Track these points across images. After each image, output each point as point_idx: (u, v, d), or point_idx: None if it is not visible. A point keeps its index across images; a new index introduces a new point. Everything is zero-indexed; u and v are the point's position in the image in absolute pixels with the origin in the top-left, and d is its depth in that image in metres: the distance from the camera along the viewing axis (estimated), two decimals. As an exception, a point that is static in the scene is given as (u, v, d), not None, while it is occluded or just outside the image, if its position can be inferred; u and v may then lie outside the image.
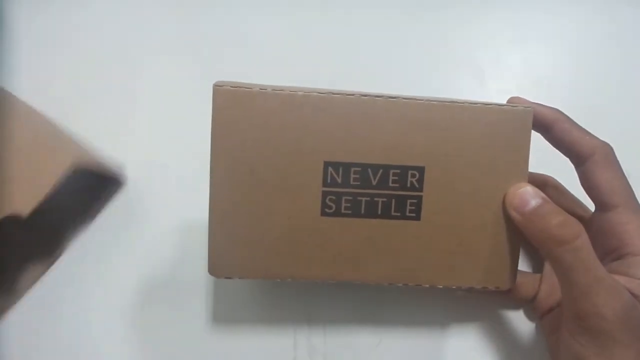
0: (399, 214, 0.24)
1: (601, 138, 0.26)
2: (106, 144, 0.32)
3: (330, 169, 0.23)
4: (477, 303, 0.30)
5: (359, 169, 0.23)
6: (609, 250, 0.25)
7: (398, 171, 0.24)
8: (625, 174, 0.26)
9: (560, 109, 0.26)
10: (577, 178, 0.26)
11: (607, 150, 0.25)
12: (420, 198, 0.24)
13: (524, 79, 0.35)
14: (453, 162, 0.24)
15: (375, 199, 0.24)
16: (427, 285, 0.24)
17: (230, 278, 0.24)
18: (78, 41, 0.34)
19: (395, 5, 0.36)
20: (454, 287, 0.25)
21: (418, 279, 0.24)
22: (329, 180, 0.23)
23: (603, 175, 0.25)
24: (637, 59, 0.35)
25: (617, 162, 0.26)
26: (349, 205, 0.24)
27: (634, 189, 0.26)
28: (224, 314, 0.30)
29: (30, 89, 0.34)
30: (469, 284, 0.24)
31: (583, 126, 0.26)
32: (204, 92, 0.24)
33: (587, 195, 0.26)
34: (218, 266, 0.24)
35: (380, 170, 0.23)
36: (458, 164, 0.24)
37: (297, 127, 0.23)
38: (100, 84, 0.34)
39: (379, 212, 0.24)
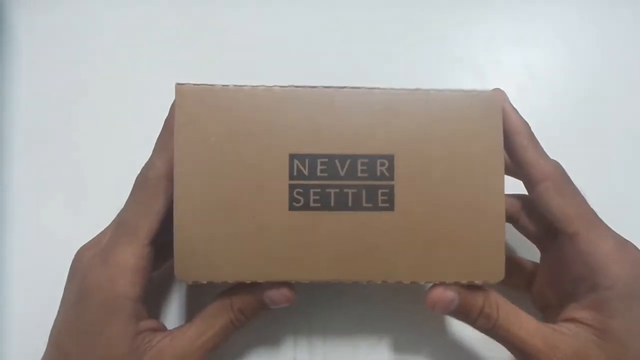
0: (370, 205, 0.23)
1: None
2: (106, 144, 0.32)
3: (296, 161, 0.23)
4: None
5: (326, 159, 0.23)
6: (581, 279, 0.24)
7: (366, 160, 0.23)
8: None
9: (529, 125, 0.25)
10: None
11: (558, 174, 0.24)
12: (392, 187, 0.23)
13: (524, 79, 0.35)
14: (424, 149, 0.23)
15: (345, 190, 0.23)
16: (408, 282, 0.23)
17: (198, 283, 0.23)
18: (78, 41, 0.34)
19: (395, 5, 0.36)
20: (437, 282, 0.23)
21: (397, 275, 0.23)
22: (295, 173, 0.23)
23: (555, 202, 0.24)
24: (637, 59, 0.35)
25: (571, 184, 0.25)
26: (317, 198, 0.23)
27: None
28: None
29: (31, 89, 0.34)
30: (453, 279, 0.23)
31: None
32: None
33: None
34: (185, 270, 0.23)
35: (348, 161, 0.23)
36: (430, 151, 0.23)
37: (260, 122, 0.23)
38: (100, 83, 0.34)
39: (350, 204, 0.23)
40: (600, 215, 0.25)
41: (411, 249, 0.23)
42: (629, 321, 0.23)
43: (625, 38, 0.35)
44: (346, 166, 0.23)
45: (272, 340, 0.30)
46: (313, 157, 0.23)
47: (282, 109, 0.23)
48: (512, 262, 0.29)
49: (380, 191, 0.23)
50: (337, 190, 0.23)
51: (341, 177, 0.23)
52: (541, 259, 0.28)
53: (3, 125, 0.33)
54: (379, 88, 0.23)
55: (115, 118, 0.33)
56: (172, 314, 0.30)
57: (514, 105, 0.25)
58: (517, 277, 0.29)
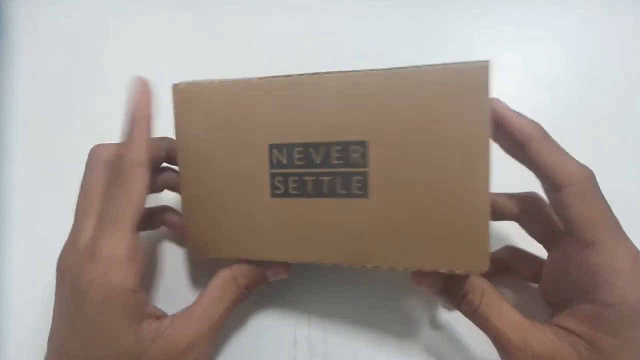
0: (345, 192, 0.23)
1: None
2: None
3: (274, 151, 0.24)
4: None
5: (302, 148, 0.23)
6: (582, 288, 0.23)
7: (340, 147, 0.23)
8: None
9: (539, 124, 0.23)
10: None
11: (586, 180, 0.23)
12: (365, 174, 0.23)
13: (524, 79, 0.35)
14: (400, 133, 0.22)
15: (320, 178, 0.23)
16: (386, 267, 0.23)
17: (207, 258, 0.26)
18: (78, 41, 0.34)
19: (395, 5, 0.36)
20: (415, 269, 0.23)
21: (374, 260, 0.23)
22: (275, 162, 0.24)
23: (578, 208, 0.22)
24: (637, 59, 0.35)
25: (598, 191, 0.23)
26: (295, 185, 0.24)
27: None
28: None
29: (31, 89, 0.34)
30: (432, 267, 0.22)
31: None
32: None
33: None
34: (197, 248, 0.26)
35: (323, 149, 0.23)
36: (406, 135, 0.22)
37: (243, 114, 0.24)
38: (100, 83, 0.34)
39: (325, 190, 0.23)
40: None
41: (386, 235, 0.23)
42: (627, 343, 0.22)
43: (625, 38, 0.35)
44: (321, 154, 0.23)
45: (272, 340, 0.30)
46: (290, 147, 0.24)
47: (261, 100, 0.24)
48: (520, 255, 0.29)
49: (354, 178, 0.23)
50: (314, 178, 0.23)
51: (317, 165, 0.23)
52: (547, 258, 0.28)
53: (3, 125, 0.33)
54: (353, 71, 0.22)
55: (115, 118, 0.33)
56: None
57: (515, 108, 0.24)
58: (525, 270, 0.28)
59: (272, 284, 0.28)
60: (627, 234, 0.24)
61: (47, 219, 0.32)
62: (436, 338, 0.30)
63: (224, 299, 0.25)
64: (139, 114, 0.24)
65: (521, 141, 0.23)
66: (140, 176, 0.23)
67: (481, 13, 0.36)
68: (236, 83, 0.24)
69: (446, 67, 0.21)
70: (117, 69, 0.34)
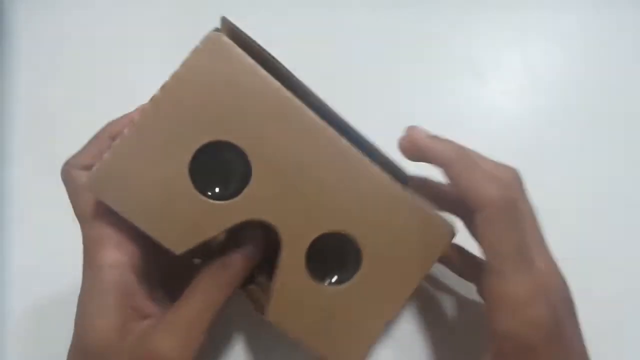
0: None
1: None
2: (106, 144, 0.32)
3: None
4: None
5: None
6: (489, 321, 0.22)
7: None
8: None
9: (462, 146, 0.22)
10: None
11: (499, 204, 0.21)
12: None
13: (524, 79, 0.35)
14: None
15: None
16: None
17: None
18: (78, 41, 0.34)
19: (395, 5, 0.36)
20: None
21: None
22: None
23: (488, 234, 0.21)
24: (637, 59, 0.35)
25: (511, 216, 0.21)
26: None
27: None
28: (224, 314, 0.30)
29: (31, 89, 0.34)
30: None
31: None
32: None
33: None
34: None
35: None
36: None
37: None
38: (100, 84, 0.34)
39: None
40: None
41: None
42: None
43: (625, 38, 0.35)
44: None
45: (273, 340, 0.30)
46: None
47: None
48: (464, 255, 0.28)
49: None
50: None
51: None
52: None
53: (3, 125, 0.33)
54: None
55: (114, 118, 0.33)
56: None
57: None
58: (469, 270, 0.28)
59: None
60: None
61: (47, 219, 0.32)
62: (437, 338, 0.30)
63: (215, 297, 0.23)
64: (109, 128, 0.24)
65: (441, 166, 0.22)
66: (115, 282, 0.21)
67: (481, 13, 0.36)
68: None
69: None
70: (117, 69, 0.34)
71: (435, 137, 0.22)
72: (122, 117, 0.24)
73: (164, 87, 0.21)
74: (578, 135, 0.33)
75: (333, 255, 0.23)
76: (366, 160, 0.22)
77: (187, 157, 0.21)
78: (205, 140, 0.21)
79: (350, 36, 0.35)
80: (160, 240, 0.21)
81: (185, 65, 0.22)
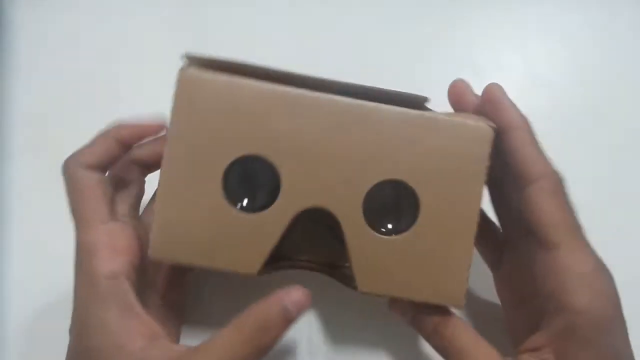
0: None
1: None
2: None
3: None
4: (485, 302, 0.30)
5: None
6: (544, 293, 0.22)
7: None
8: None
9: (529, 121, 0.23)
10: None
11: (557, 179, 0.22)
12: None
13: (524, 79, 0.35)
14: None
15: None
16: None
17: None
18: (78, 41, 0.34)
19: (395, 5, 0.36)
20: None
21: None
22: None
23: (546, 204, 0.21)
24: (637, 59, 0.35)
25: (567, 194, 0.22)
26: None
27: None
28: (224, 314, 0.30)
29: (30, 89, 0.34)
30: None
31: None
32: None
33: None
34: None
35: None
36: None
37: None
38: (100, 84, 0.34)
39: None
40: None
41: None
42: (600, 355, 0.21)
43: (626, 38, 0.35)
44: None
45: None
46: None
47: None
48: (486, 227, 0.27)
49: None
50: None
51: None
52: (496, 280, 0.27)
53: (3, 125, 0.33)
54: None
55: (115, 118, 0.33)
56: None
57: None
58: (488, 244, 0.27)
59: (272, 284, 0.27)
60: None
61: (47, 219, 0.32)
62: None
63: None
64: (116, 130, 0.24)
65: (506, 127, 0.23)
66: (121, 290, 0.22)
67: (481, 13, 0.36)
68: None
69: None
70: (117, 69, 0.34)
71: (512, 103, 0.23)
72: (129, 123, 0.24)
73: (169, 137, 0.22)
74: (578, 135, 0.33)
75: (387, 209, 0.23)
76: (376, 104, 0.22)
77: (218, 184, 0.22)
78: (227, 162, 0.22)
79: (350, 36, 0.35)
80: (235, 270, 0.22)
81: (175, 111, 0.22)
